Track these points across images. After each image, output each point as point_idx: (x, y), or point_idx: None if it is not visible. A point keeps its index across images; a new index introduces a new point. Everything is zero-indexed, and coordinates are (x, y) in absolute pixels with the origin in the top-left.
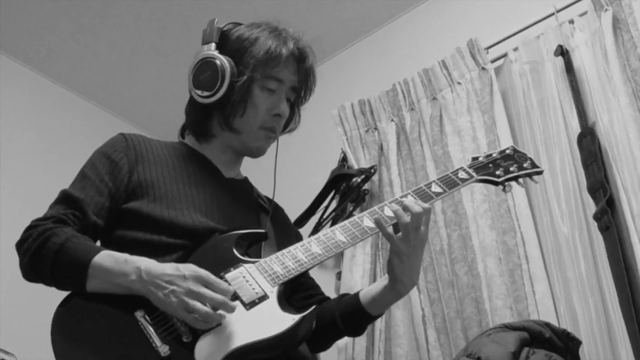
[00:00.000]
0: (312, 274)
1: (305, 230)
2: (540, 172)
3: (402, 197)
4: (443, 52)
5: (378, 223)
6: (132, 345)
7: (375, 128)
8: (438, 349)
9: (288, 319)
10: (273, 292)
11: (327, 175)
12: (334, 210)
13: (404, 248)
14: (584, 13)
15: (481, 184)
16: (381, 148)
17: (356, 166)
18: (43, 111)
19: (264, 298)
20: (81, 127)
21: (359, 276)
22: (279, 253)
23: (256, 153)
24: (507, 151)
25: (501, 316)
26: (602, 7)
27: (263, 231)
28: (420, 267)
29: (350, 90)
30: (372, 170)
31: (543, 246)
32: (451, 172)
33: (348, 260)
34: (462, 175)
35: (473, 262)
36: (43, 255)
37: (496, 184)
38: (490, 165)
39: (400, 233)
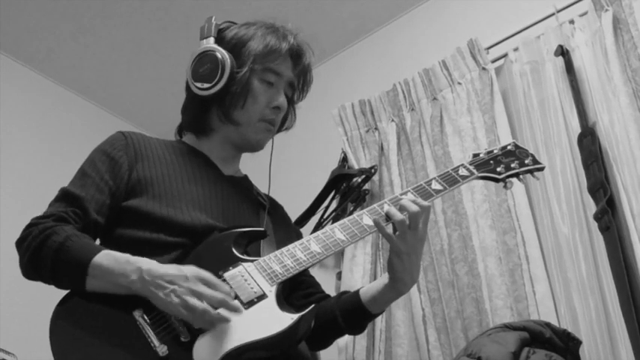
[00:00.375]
0: (312, 274)
1: (305, 230)
2: (542, 169)
3: (401, 195)
4: (443, 52)
5: (376, 223)
6: (130, 345)
7: (376, 128)
8: (438, 349)
9: (287, 319)
10: (271, 292)
11: (327, 175)
12: (334, 210)
13: (403, 247)
14: (585, 14)
15: (482, 184)
16: (382, 148)
17: (356, 166)
18: (43, 111)
19: (262, 297)
20: (81, 127)
21: (359, 276)
22: (277, 252)
23: (255, 146)
24: (509, 147)
25: (502, 316)
26: (603, 7)
27: (262, 229)
28: (420, 265)
29: (350, 90)
30: (373, 170)
31: (544, 246)
32: (452, 170)
33: (348, 260)
34: (463, 172)
35: (473, 262)
36: (43, 254)
37: (497, 180)
38: (491, 162)
39: (398, 232)
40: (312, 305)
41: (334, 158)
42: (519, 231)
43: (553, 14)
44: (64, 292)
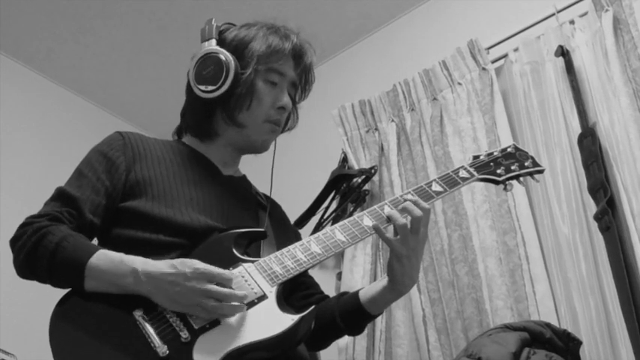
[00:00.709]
0: (313, 274)
1: (305, 231)
2: (542, 171)
3: (402, 196)
4: (443, 52)
5: (376, 229)
6: (130, 345)
7: (376, 129)
8: (438, 349)
9: (287, 320)
10: (272, 292)
11: (327, 176)
12: (335, 210)
13: (403, 251)
14: (585, 14)
15: (482, 184)
16: (382, 148)
17: (356, 167)
18: (43, 111)
19: (263, 298)
20: (81, 127)
21: (359, 276)
22: (278, 253)
23: (260, 148)
24: (509, 149)
25: (502, 317)
26: (603, 7)
27: (262, 230)
28: (419, 266)
29: (350, 90)
30: (373, 171)
31: (544, 246)
32: (452, 171)
33: (348, 261)
34: (463, 174)
35: (473, 262)
36: (39, 254)
37: (497, 183)
38: (491, 164)
39: (399, 236)
40: (313, 306)
41: (334, 158)
42: (519, 231)
43: (553, 14)
44: (63, 292)
